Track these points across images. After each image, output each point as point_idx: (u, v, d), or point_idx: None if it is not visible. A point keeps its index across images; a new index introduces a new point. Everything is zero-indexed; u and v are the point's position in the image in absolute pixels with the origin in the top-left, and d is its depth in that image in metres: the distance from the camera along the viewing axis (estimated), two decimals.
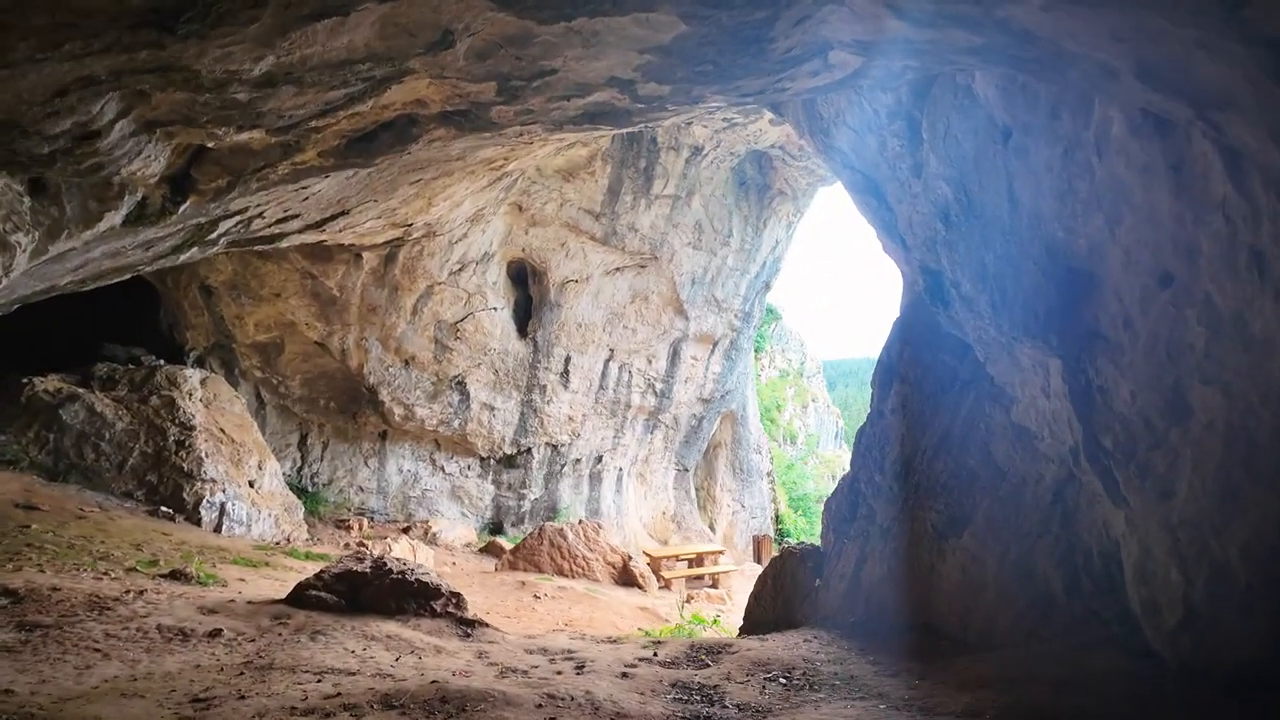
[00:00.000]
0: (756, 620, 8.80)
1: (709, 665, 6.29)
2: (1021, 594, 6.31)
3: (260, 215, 9.15)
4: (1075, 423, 6.00)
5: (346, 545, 13.26)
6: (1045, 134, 6.00)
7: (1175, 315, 4.77)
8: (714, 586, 17.53)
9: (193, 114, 4.66)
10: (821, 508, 25.90)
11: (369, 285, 13.73)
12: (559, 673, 5.69)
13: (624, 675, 5.71)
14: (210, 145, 6.06)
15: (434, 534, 16.10)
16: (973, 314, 7.44)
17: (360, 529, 15.01)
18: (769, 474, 23.10)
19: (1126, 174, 4.99)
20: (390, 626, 6.57)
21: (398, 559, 7.76)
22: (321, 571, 7.28)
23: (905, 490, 7.86)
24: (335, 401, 15.55)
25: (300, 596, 6.91)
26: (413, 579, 7.21)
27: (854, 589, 7.92)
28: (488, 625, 7.05)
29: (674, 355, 18.91)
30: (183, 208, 6.77)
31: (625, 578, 14.53)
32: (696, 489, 21.90)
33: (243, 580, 8.74)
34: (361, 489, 16.17)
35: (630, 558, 14.76)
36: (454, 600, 7.21)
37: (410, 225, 12.02)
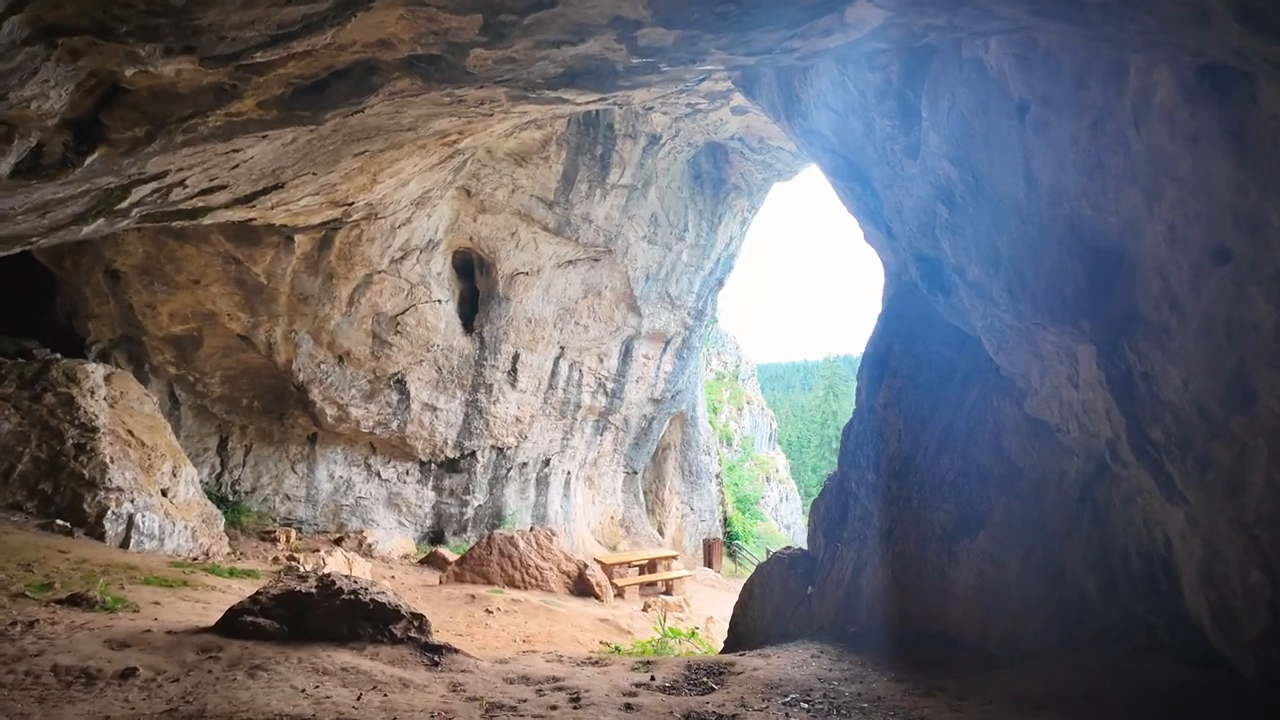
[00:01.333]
0: (744, 632, 8.15)
1: (715, 689, 5.57)
2: (1050, 598, 5.85)
3: (182, 184, 7.98)
4: (1115, 413, 5.49)
5: (275, 560, 11.98)
6: (1070, 106, 5.47)
7: (1236, 294, 4.29)
8: (668, 593, 16.86)
9: (108, 20, 3.66)
10: (760, 509, 25.61)
11: (301, 272, 12.49)
12: (553, 707, 4.86)
13: (628, 708, 4.93)
14: (128, 81, 5.01)
15: (369, 545, 14.88)
16: (984, 300, 6.96)
17: (288, 541, 13.68)
18: (717, 476, 22.63)
19: (1171, 144, 4.48)
20: (344, 657, 5.60)
21: (347, 576, 6.75)
22: (258, 593, 6.22)
23: (906, 489, 7.35)
24: (260, 401, 14.17)
25: (234, 624, 5.85)
26: (368, 599, 6.23)
27: (853, 596, 7.36)
28: (456, 651, 6.13)
29: (626, 353, 18.18)
30: (89, 161, 5.65)
31: (581, 587, 13.69)
32: (645, 492, 21.22)
33: (158, 604, 7.53)
34: (289, 497, 14.80)
35: (586, 566, 13.93)
36: (416, 623, 6.27)
37: (350, 205, 10.92)
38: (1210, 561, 4.63)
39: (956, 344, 7.96)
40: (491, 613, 11.56)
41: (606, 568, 15.74)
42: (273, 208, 9.91)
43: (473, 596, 12.25)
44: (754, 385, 47.93)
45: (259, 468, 14.46)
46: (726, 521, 22.72)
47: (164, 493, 11.18)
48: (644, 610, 14.22)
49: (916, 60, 7.81)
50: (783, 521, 37.51)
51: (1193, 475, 4.74)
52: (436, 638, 6.22)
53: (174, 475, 11.41)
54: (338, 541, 14.77)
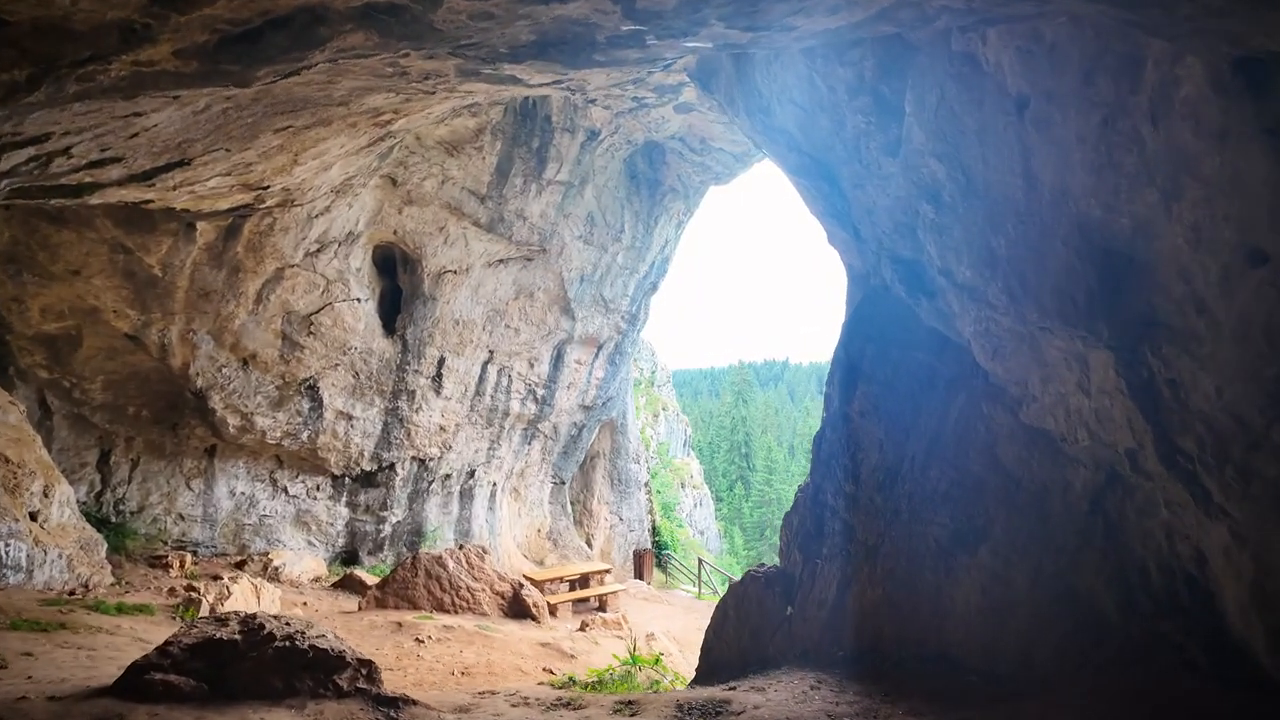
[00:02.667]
0: (719, 658, 7.56)
1: None
2: (1064, 616, 5.54)
3: (67, 152, 6.74)
4: (1139, 422, 5.19)
5: (171, 590, 10.52)
6: (1076, 102, 5.16)
7: (1275, 297, 4.03)
8: (602, 609, 16.13)
9: None
10: (679, 515, 25.19)
11: (202, 264, 11.10)
12: None
13: None
14: (6, 10, 3.95)
15: (276, 568, 13.46)
16: (977, 303, 6.63)
17: (182, 566, 12.14)
18: (646, 484, 22.06)
19: (1195, 142, 4.20)
20: (281, 718, 4.64)
21: (277, 617, 5.73)
22: (169, 643, 5.13)
23: (893, 502, 6.96)
24: (150, 409, 12.55)
25: (138, 683, 4.78)
26: (305, 645, 5.26)
27: (838, 617, 6.90)
28: (414, 703, 5.25)
29: (557, 358, 17.35)
30: None
31: (516, 609, 12.78)
32: (572, 502, 20.40)
33: (30, 655, 6.24)
34: (183, 517, 13.20)
35: (521, 585, 13.03)
36: (364, 671, 5.34)
37: (265, 189, 9.71)
38: (1263, 581, 4.33)
39: (936, 349, 7.66)
40: (422, 642, 10.53)
41: (537, 584, 14.87)
42: (175, 188, 8.63)
43: (399, 624, 11.17)
44: (670, 391, 47.84)
45: (148, 484, 12.81)
46: (655, 531, 22.19)
47: (33, 516, 9.60)
48: (581, 630, 13.44)
49: (892, 55, 7.48)
50: (697, 527, 37.39)
51: (1234, 488, 4.43)
52: (389, 687, 5.32)
53: (45, 496, 9.82)
54: (240, 565, 13.28)
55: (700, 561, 19.97)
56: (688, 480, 42.13)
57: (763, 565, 8.08)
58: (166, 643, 5.15)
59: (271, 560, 13.49)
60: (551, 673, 10.55)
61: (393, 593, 12.36)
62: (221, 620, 5.62)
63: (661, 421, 43.63)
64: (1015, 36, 5.40)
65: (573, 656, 11.34)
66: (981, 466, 6.48)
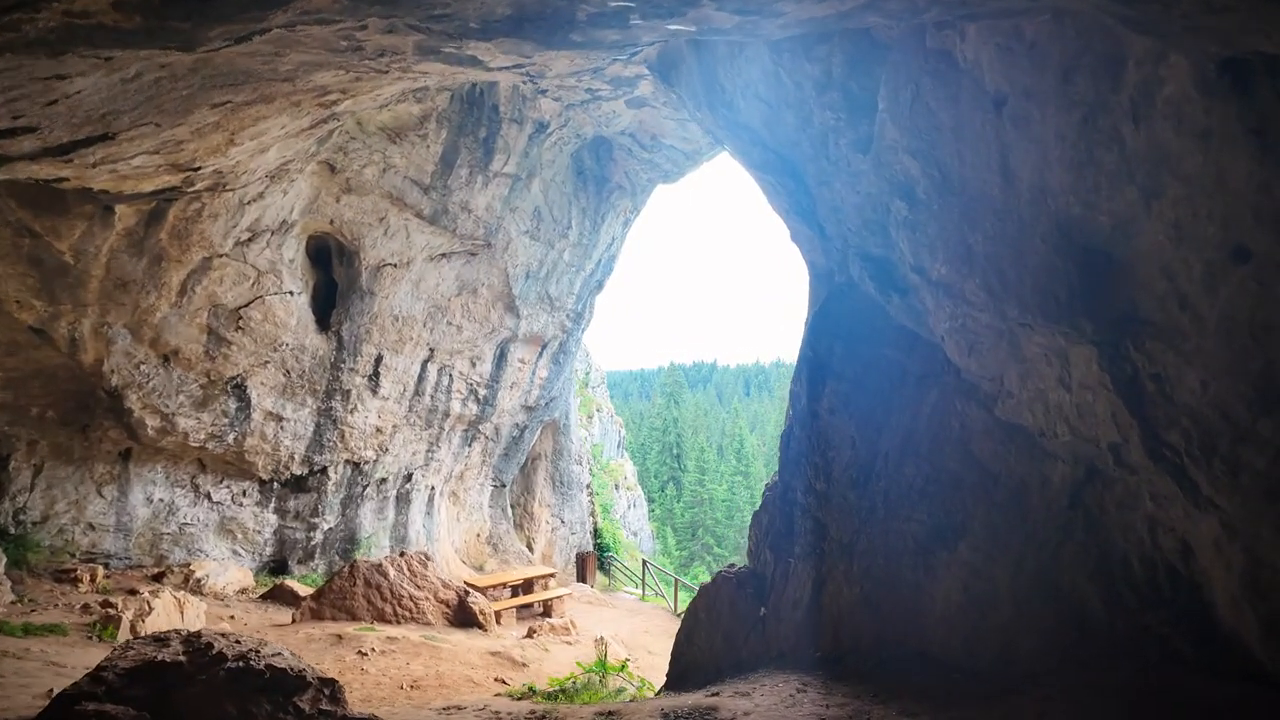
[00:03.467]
0: (691, 662, 7.33)
1: None
2: (1046, 611, 5.55)
3: None
4: (1124, 416, 5.23)
5: (85, 607, 9.60)
6: (1055, 100, 5.20)
7: (1260, 293, 4.10)
8: (547, 614, 15.71)
9: None
10: (614, 517, 24.89)
11: (121, 252, 10.20)
12: None
13: None
14: None
15: (199, 580, 12.55)
16: (953, 300, 6.63)
17: (93, 581, 11.15)
18: (588, 486, 21.70)
19: (1176, 140, 4.27)
20: None
21: (225, 635, 5.20)
22: (102, 668, 4.56)
23: (868, 499, 6.89)
24: (56, 410, 11.49)
25: (68, 715, 4.21)
26: (261, 664, 4.77)
27: (814, 617, 6.78)
28: None
29: (501, 357, 16.84)
30: None
31: (463, 617, 12.28)
32: (512, 505, 19.87)
33: None
34: (93, 527, 12.14)
35: (467, 593, 12.52)
36: (327, 691, 4.88)
37: (196, 170, 8.98)
38: (1256, 572, 4.38)
39: (906, 346, 7.65)
40: (366, 654, 9.94)
41: (481, 591, 14.36)
42: (95, 166, 7.86)
43: (339, 636, 10.52)
44: (604, 393, 47.60)
45: (53, 492, 11.72)
46: (597, 533, 21.84)
47: None
48: (529, 637, 13.03)
49: (862, 52, 7.45)
50: (631, 528, 37.24)
51: (1223, 480, 4.48)
52: (358, 710, 4.88)
53: None
54: (158, 577, 12.32)
55: (645, 563, 19.76)
56: (621, 482, 41.97)
57: (733, 566, 7.91)
58: (100, 667, 4.58)
59: (193, 572, 12.56)
60: (504, 683, 10.13)
61: (329, 603, 11.68)
62: (160, 640, 5.06)
63: (596, 423, 43.36)
64: (995, 33, 5.39)
65: (525, 665, 10.93)
66: (957, 463, 6.47)
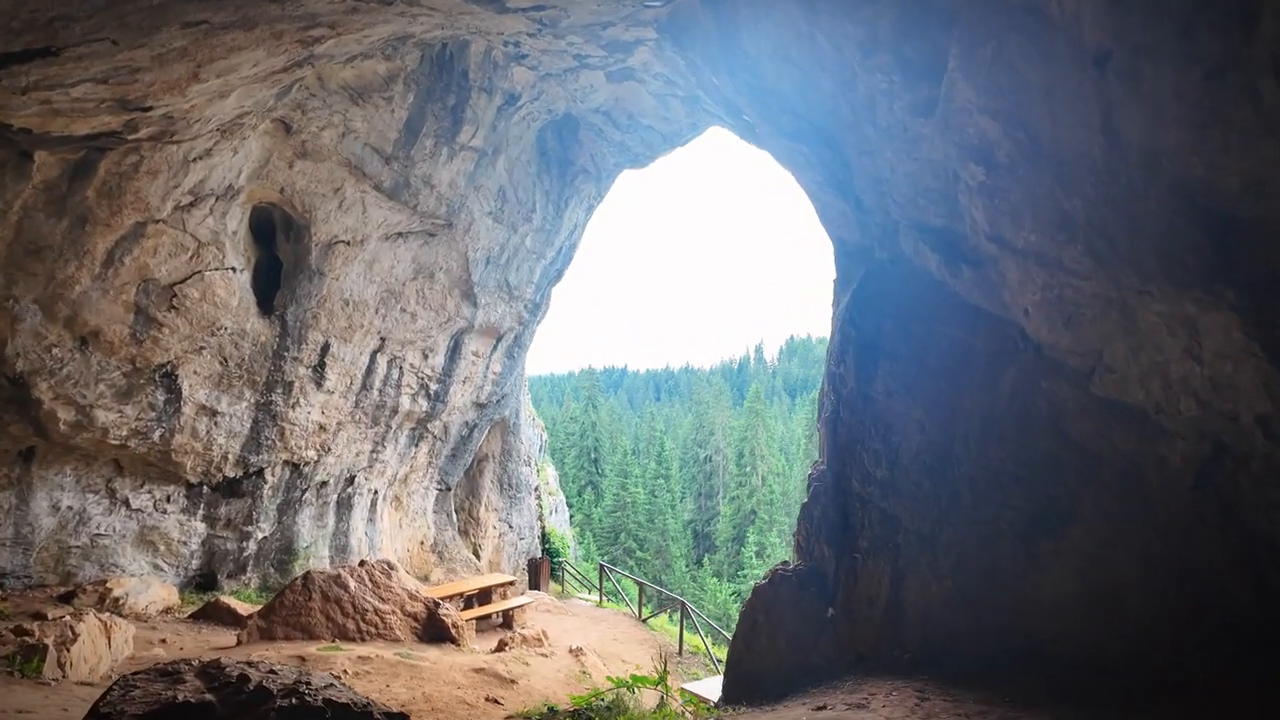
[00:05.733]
0: (751, 671, 6.58)
1: None
2: (1181, 602, 5.16)
3: None
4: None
5: None
6: (1173, 56, 4.82)
7: None
8: (507, 625, 14.59)
9: None
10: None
11: (36, 210, 8.55)
12: None
13: None
14: None
15: (116, 600, 10.80)
16: (1045, 269, 6.21)
17: None
18: (536, 489, 20.58)
19: None
20: None
21: (250, 663, 4.08)
22: (105, 716, 3.37)
23: (949, 485, 6.36)
24: None
25: None
26: (318, 699, 3.73)
27: (895, 616, 6.18)
28: None
29: (454, 350, 15.60)
30: None
31: (433, 631, 11.07)
32: (456, 510, 18.54)
33: None
34: None
35: (437, 604, 11.32)
36: None
37: (145, 111, 7.57)
38: None
39: (968, 324, 7.20)
40: (338, 678, 8.64)
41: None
42: (25, 92, 6.40)
43: (301, 658, 9.16)
44: (527, 396, 46.16)
45: None
46: (545, 538, 20.74)
47: None
48: (499, 650, 11.92)
49: (915, 11, 6.97)
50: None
51: None
52: None
53: None
54: (66, 598, 10.50)
55: (602, 568, 18.84)
56: (543, 486, 40.70)
57: (785, 563, 7.23)
58: (103, 714, 3.40)
59: (110, 590, 10.79)
60: (497, 703, 9.08)
61: (282, 621, 10.24)
62: (168, 674, 3.91)
63: None
64: None
65: (513, 681, 9.88)
66: (1051, 443, 6.03)
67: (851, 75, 7.90)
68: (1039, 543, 5.75)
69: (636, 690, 8.28)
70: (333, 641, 10.09)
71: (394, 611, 10.89)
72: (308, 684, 3.80)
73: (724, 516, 54.99)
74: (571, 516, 50.22)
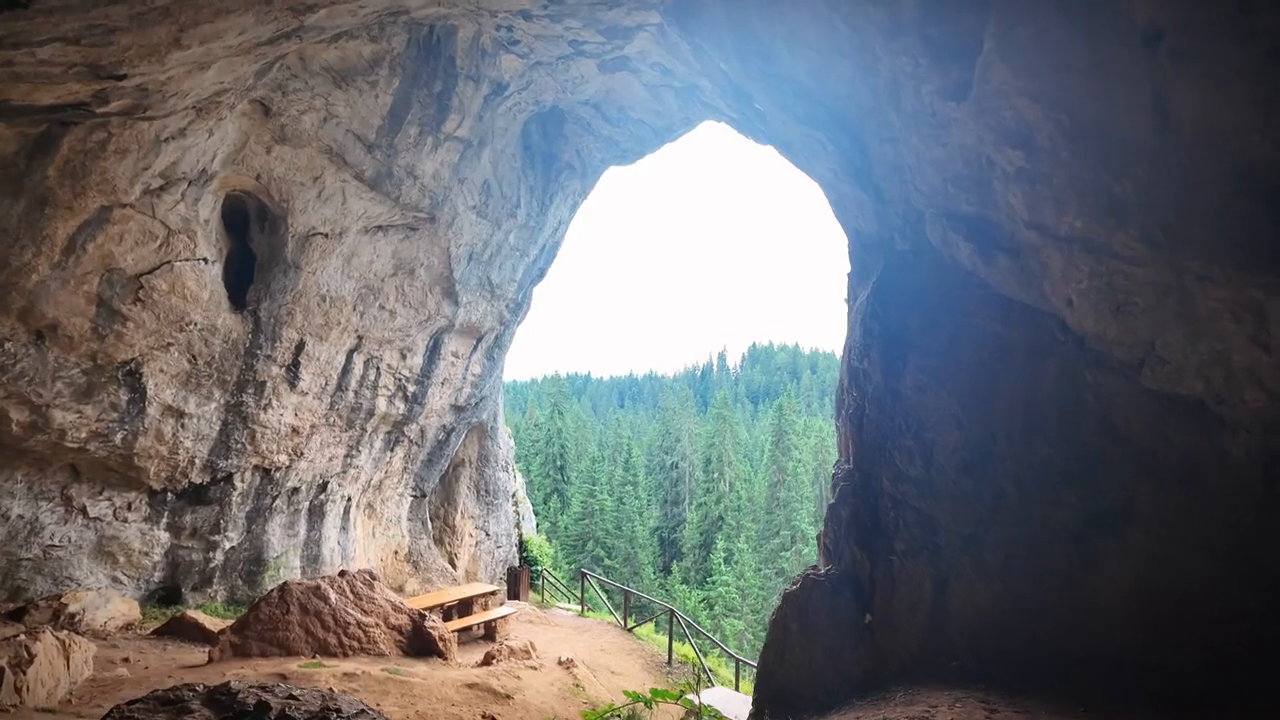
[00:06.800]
0: (786, 683, 6.17)
1: None
2: (1252, 602, 4.92)
3: None
4: None
5: None
6: (1232, 33, 4.63)
7: None
8: (489, 637, 13.97)
9: None
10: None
11: None
12: None
13: None
14: None
15: (72, 616, 9.98)
16: (1093, 255, 5.98)
17: None
18: (514, 495, 19.94)
19: None
20: None
21: (264, 688, 3.57)
22: None
23: (989, 485, 6.07)
24: None
25: None
26: None
27: (940, 621, 5.85)
28: None
29: (434, 350, 14.97)
30: None
31: (420, 645, 10.45)
32: (432, 517, 17.84)
33: None
34: None
35: (423, 616, 10.70)
36: None
37: (119, 80, 6.92)
38: None
39: (1000, 316, 6.94)
40: (364, 704, 8.00)
41: None
42: None
43: (283, 676, 8.50)
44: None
45: None
46: (523, 545, 20.10)
47: None
48: (486, 663, 11.36)
49: None
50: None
51: None
52: None
53: None
54: (16, 615, 9.65)
55: (584, 575, 18.28)
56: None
57: (815, 567, 6.86)
58: None
59: (65, 605, 9.96)
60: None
61: (257, 636, 9.55)
62: (170, 702, 3.37)
63: None
64: None
65: (508, 696, 9.35)
66: (1101, 439, 5.78)
67: (873, 59, 7.62)
68: (1094, 542, 5.48)
69: (654, 705, 7.83)
70: (313, 657, 9.43)
71: (378, 624, 10.25)
72: (338, 710, 3.30)
73: (691, 523, 54.71)
74: (538, 525, 49.44)
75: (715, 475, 54.98)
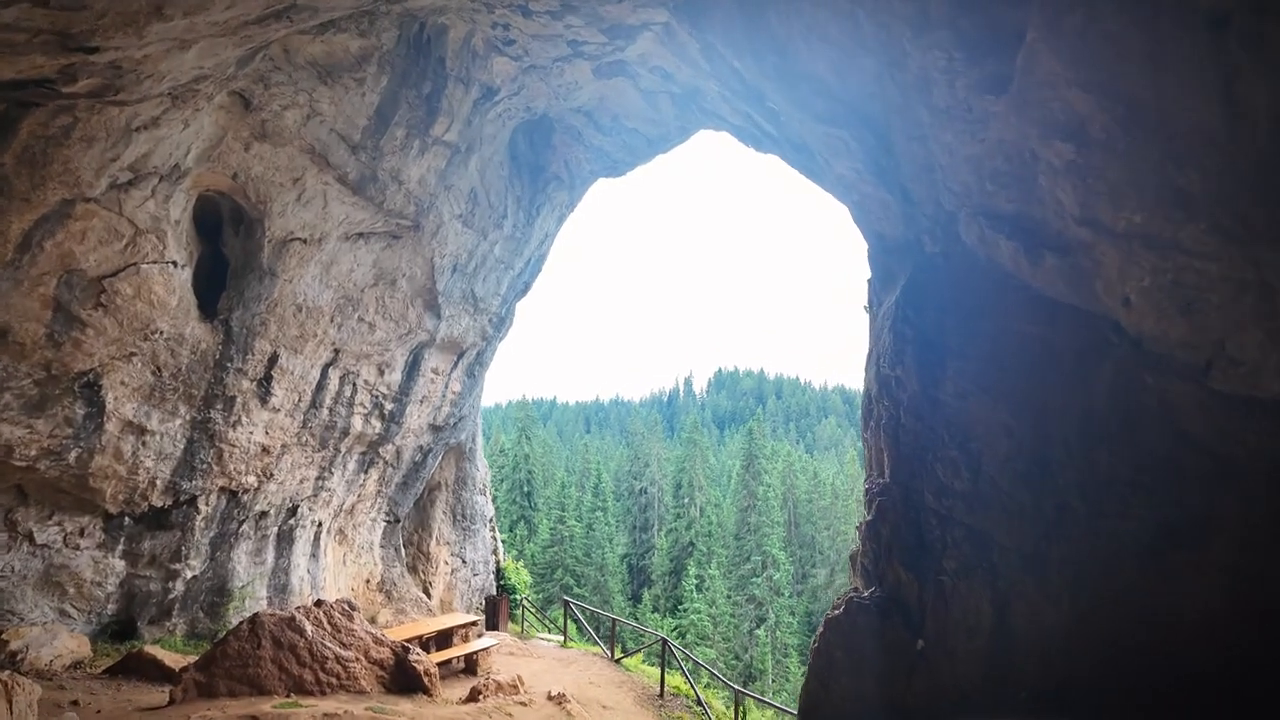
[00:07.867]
0: (831, 715, 5.62)
1: None
2: None
3: None
4: None
5: None
6: None
7: None
8: (470, 670, 13.13)
9: None
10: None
11: None
12: None
13: None
14: None
15: (14, 653, 9.03)
16: (1156, 252, 5.67)
17: None
18: (491, 520, 19.11)
19: None
20: None
21: None
22: None
23: (1050, 497, 5.65)
24: None
25: None
26: None
27: (1003, 645, 5.38)
28: None
29: (413, 366, 14.25)
30: None
31: (403, 680, 9.66)
32: (405, 544, 16.94)
33: None
34: None
35: (407, 649, 9.91)
36: None
37: (90, 53, 6.27)
38: None
39: (1045, 318, 6.59)
40: None
41: None
42: None
43: (254, 718, 7.66)
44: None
45: None
46: (500, 573, 19.24)
47: None
48: (472, 699, 10.56)
49: None
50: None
51: None
52: None
53: None
54: None
55: (567, 603, 17.48)
56: None
57: (855, 590, 6.35)
58: None
59: (7, 642, 8.99)
60: None
61: (224, 674, 8.69)
62: None
63: None
64: None
65: None
66: (1169, 445, 5.40)
67: (901, 54, 7.32)
68: (1169, 556, 5.09)
69: None
70: (288, 696, 8.59)
71: (357, 659, 9.44)
72: None
73: (660, 549, 53.84)
74: (505, 552, 48.15)
75: (685, 500, 54.30)
